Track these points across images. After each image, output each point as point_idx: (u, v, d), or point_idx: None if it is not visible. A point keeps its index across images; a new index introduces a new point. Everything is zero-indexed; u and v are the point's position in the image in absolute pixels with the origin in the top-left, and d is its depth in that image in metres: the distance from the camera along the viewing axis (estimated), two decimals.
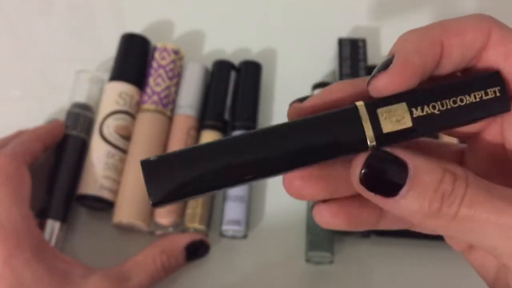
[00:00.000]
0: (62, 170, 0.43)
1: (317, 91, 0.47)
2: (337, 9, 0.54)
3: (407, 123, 0.21)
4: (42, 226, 0.41)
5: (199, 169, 0.21)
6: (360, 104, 0.22)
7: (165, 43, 0.48)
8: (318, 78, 0.50)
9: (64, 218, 0.43)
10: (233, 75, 0.48)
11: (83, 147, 0.45)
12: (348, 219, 0.24)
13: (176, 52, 0.48)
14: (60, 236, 0.42)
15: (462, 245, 0.26)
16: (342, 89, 0.23)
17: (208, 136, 0.45)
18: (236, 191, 0.44)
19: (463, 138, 0.25)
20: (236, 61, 0.50)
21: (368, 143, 0.21)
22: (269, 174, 0.22)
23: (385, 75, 0.21)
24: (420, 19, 0.53)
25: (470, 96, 0.22)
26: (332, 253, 0.42)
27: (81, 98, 0.46)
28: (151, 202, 0.21)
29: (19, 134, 0.43)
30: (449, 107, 0.22)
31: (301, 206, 0.44)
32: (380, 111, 0.21)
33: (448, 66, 0.22)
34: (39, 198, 0.42)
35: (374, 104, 0.22)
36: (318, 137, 0.21)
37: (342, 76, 0.47)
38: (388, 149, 0.21)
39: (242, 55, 0.51)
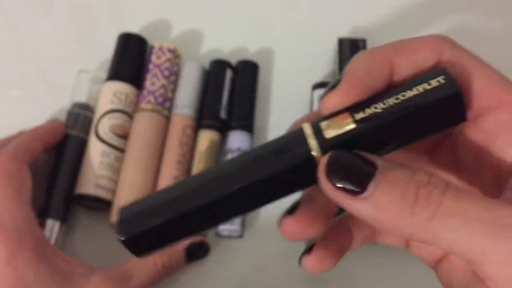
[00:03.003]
0: (62, 170, 0.43)
1: (317, 92, 0.47)
2: (337, 9, 0.54)
3: (350, 125, 0.21)
4: (41, 226, 0.41)
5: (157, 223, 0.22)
6: (305, 124, 0.22)
7: (162, 42, 0.48)
8: (317, 78, 0.50)
9: (64, 218, 0.43)
10: (229, 73, 0.48)
11: (83, 147, 0.45)
12: (334, 260, 0.26)
13: (172, 51, 0.48)
14: (59, 236, 0.42)
15: (432, 256, 0.26)
16: None
17: (205, 135, 0.45)
18: None
19: (424, 150, 0.25)
20: (235, 60, 0.49)
21: (314, 153, 0.21)
22: (227, 218, 0.23)
23: (332, 94, 0.22)
24: (420, 19, 0.54)
25: (412, 90, 0.21)
26: None
27: (81, 98, 0.46)
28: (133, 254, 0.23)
29: (20, 134, 0.43)
30: (391, 103, 0.21)
31: None
32: (322, 123, 0.22)
33: (400, 83, 0.22)
34: (39, 198, 0.42)
35: (320, 120, 0.22)
36: (269, 169, 0.22)
37: None
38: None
39: (241, 55, 0.51)
